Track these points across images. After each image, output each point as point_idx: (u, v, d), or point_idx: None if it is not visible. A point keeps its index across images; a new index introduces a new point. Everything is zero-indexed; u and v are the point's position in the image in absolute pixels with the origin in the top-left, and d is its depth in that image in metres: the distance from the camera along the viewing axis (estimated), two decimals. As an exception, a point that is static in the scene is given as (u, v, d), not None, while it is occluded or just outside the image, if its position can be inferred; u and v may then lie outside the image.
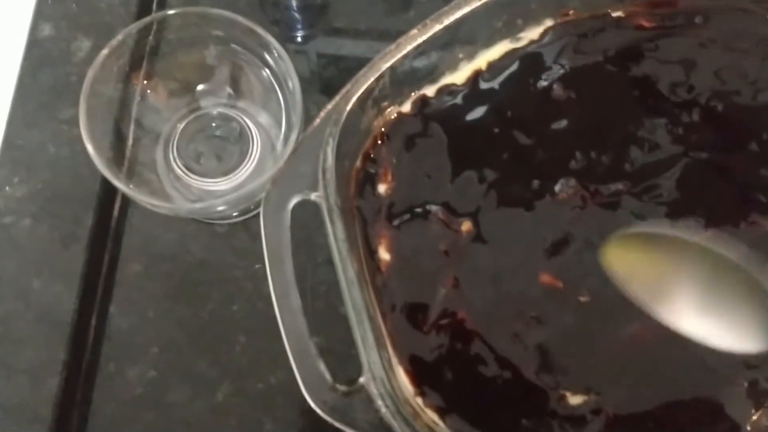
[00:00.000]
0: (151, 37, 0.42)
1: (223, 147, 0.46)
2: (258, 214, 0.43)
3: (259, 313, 0.45)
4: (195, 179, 0.45)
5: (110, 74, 0.41)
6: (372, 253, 0.42)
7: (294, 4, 0.54)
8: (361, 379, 0.35)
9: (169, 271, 0.46)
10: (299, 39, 0.53)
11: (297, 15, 0.54)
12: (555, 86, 0.44)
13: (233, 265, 0.46)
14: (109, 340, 0.45)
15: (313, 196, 0.38)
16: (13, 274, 0.44)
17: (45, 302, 0.43)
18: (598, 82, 0.45)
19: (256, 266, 0.46)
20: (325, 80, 0.51)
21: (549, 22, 0.45)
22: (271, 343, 0.44)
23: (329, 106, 0.40)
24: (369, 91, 0.40)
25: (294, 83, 0.38)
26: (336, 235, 0.37)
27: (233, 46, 0.42)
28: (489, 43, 0.45)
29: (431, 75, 0.44)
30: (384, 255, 0.42)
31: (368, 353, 0.35)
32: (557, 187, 0.42)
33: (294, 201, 0.38)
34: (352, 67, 0.51)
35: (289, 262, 0.37)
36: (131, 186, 0.39)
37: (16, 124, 0.47)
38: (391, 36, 0.52)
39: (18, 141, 0.47)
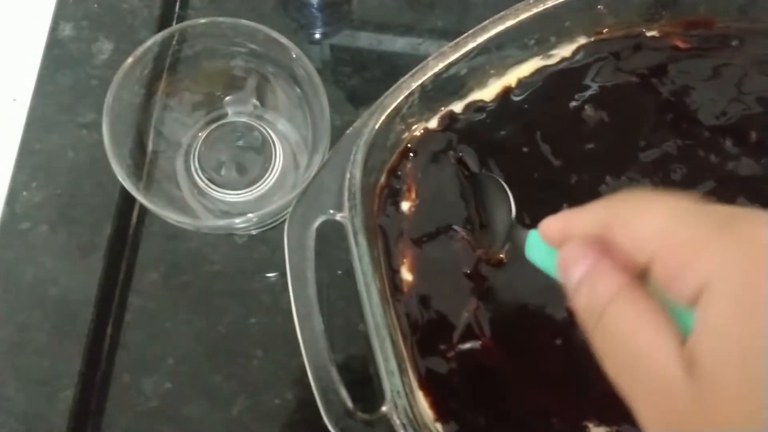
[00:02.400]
0: (175, 46, 0.41)
1: (245, 157, 0.45)
2: (278, 225, 0.43)
3: (277, 327, 0.45)
4: (216, 190, 0.44)
5: (133, 82, 0.40)
6: (394, 273, 0.41)
7: (315, 2, 0.53)
8: (384, 408, 0.34)
9: (187, 281, 0.45)
10: (318, 36, 0.52)
11: (318, 13, 0.53)
12: (587, 106, 0.43)
13: (252, 276, 0.46)
14: (124, 350, 0.44)
15: (338, 217, 0.38)
16: (30, 281, 0.43)
17: (62, 311, 0.43)
18: (630, 103, 0.44)
19: (273, 275, 0.46)
20: (349, 89, 0.50)
21: (582, 40, 0.44)
22: (288, 359, 0.44)
23: (356, 124, 0.39)
24: (398, 109, 0.40)
25: (323, 101, 0.37)
26: (361, 257, 0.37)
27: (261, 58, 0.41)
28: (520, 59, 0.44)
29: (460, 91, 0.43)
30: (406, 275, 0.41)
31: (391, 381, 0.35)
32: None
33: (319, 221, 0.38)
34: (376, 77, 0.50)
35: (312, 283, 0.36)
36: (153, 198, 0.38)
37: (35, 127, 0.46)
38: (416, 33, 0.51)
39: (36, 145, 0.46)
